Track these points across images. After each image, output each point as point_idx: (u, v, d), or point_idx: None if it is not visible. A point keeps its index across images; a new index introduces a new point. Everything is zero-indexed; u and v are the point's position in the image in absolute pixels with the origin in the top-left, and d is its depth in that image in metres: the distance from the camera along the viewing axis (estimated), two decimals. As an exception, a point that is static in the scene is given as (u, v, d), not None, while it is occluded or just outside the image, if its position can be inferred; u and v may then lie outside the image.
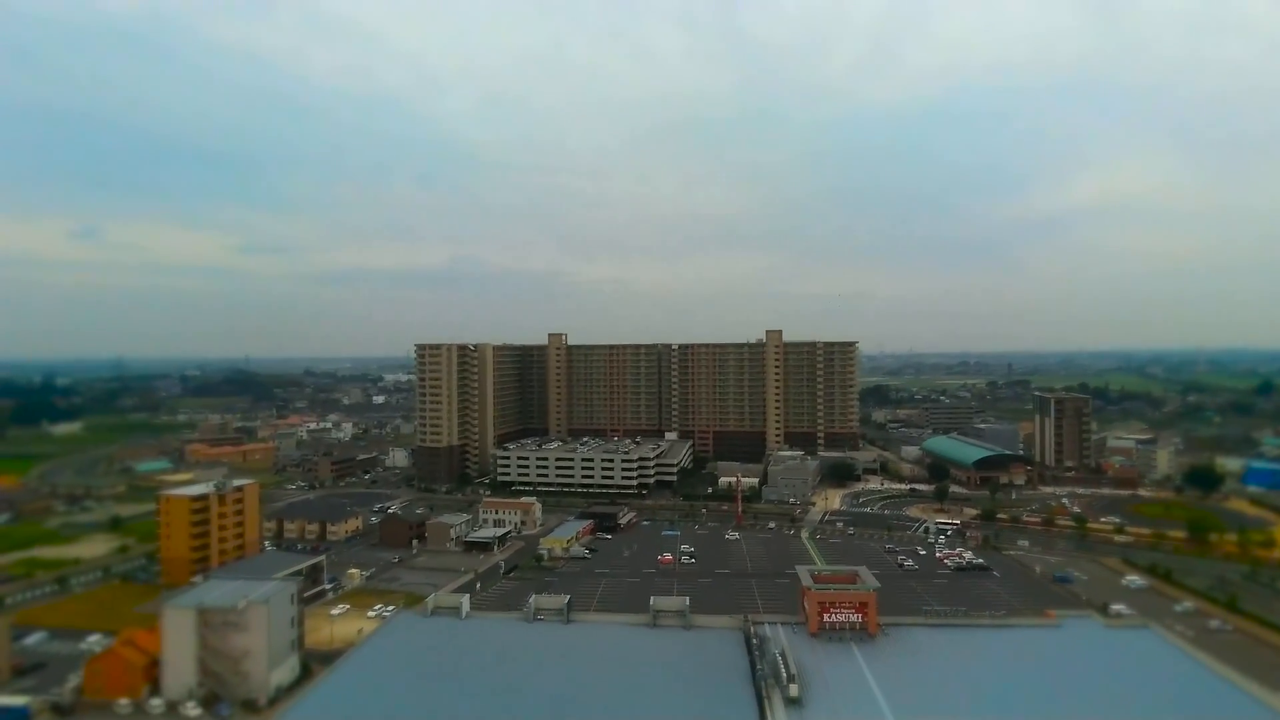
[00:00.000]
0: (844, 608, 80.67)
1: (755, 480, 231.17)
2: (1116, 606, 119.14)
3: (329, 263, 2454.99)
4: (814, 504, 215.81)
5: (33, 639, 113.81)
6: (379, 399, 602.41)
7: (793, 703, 65.42)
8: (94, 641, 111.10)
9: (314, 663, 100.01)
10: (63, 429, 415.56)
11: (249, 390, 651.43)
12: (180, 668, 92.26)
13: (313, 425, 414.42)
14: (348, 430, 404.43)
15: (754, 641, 77.38)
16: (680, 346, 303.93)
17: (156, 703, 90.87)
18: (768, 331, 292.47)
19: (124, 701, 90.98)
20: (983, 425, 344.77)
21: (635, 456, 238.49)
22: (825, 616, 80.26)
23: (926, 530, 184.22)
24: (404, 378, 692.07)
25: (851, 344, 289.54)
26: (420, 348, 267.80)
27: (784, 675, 67.52)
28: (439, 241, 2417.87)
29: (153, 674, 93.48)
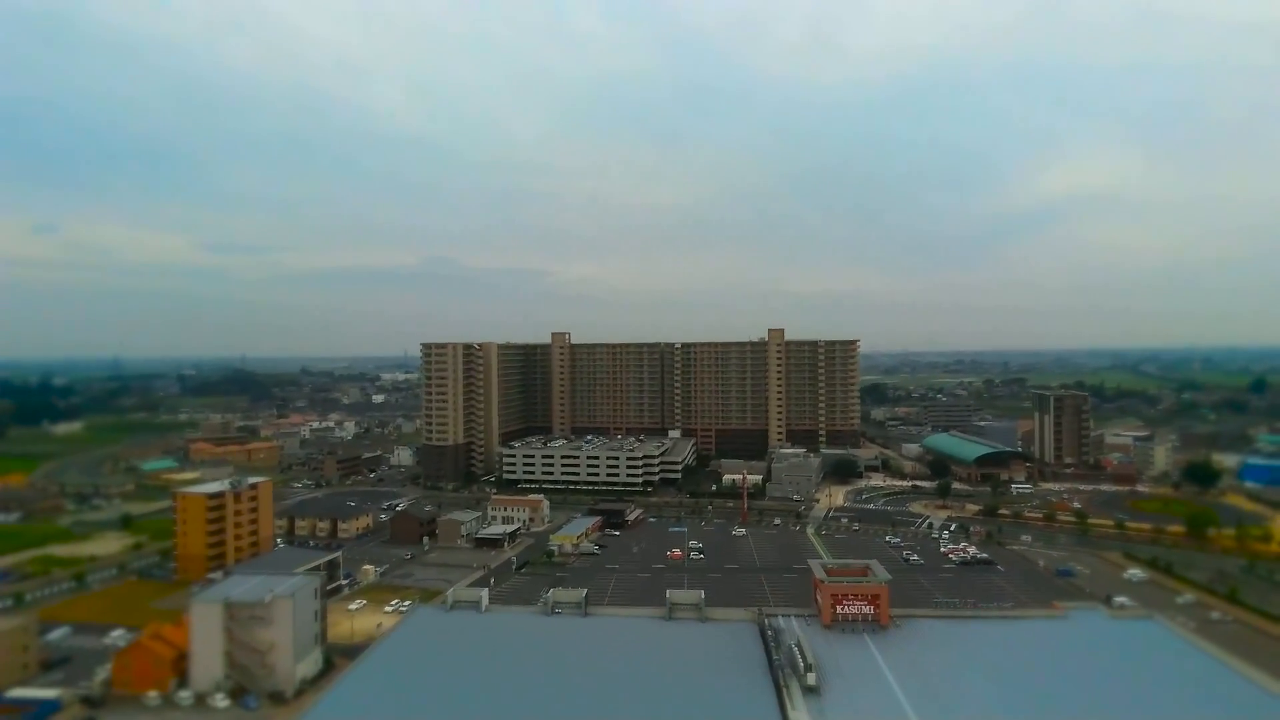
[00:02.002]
0: (856, 600, 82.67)
1: (759, 477, 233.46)
2: (1119, 599, 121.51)
3: (300, 263, 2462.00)
4: (818, 500, 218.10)
5: (56, 634, 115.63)
6: (378, 398, 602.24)
7: (810, 691, 67.36)
8: (117, 636, 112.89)
9: (336, 656, 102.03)
10: (63, 429, 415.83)
11: (247, 389, 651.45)
12: (208, 661, 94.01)
13: (315, 424, 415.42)
14: (349, 429, 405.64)
15: (769, 633, 79.33)
16: (683, 345, 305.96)
17: (185, 695, 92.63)
18: (769, 330, 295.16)
19: (152, 694, 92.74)
20: (982, 423, 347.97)
21: (640, 454, 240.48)
22: (838, 609, 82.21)
23: (930, 526, 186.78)
24: (402, 377, 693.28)
25: (853, 342, 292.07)
26: (426, 347, 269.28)
27: (801, 665, 69.45)
28: (402, 241, 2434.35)
29: (180, 667, 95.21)
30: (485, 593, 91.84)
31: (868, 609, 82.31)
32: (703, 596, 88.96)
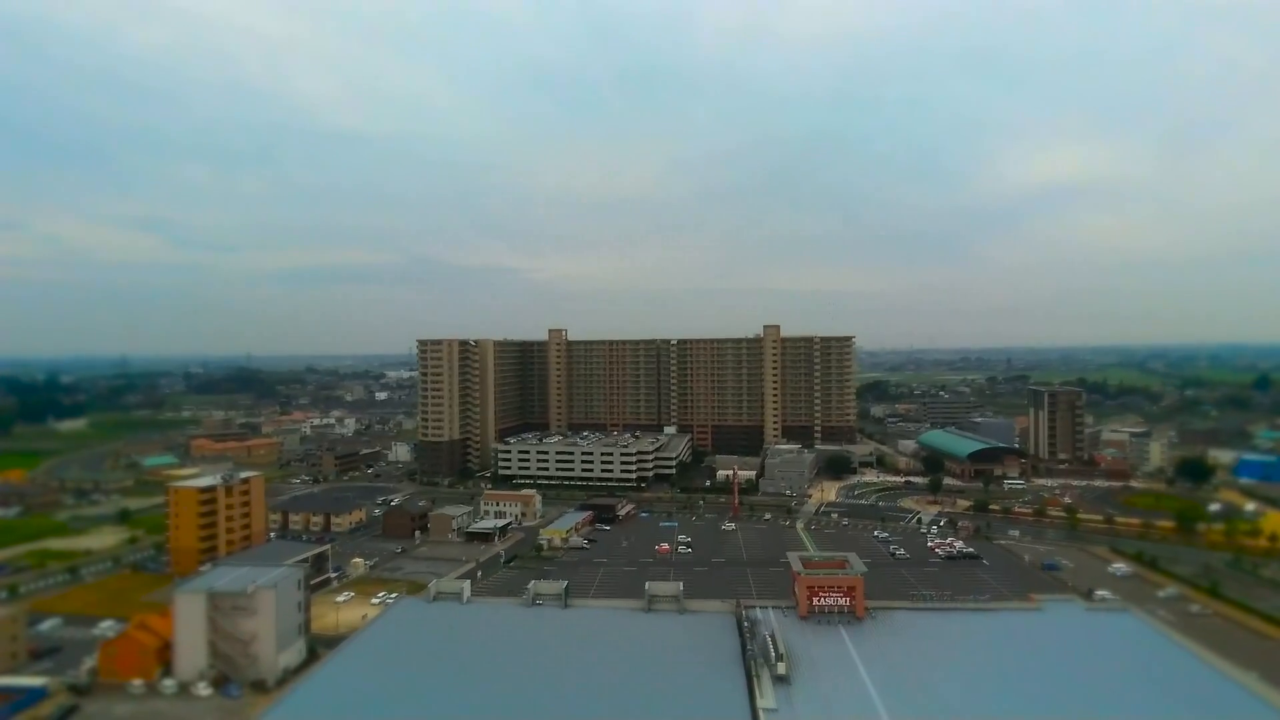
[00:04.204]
0: (832, 592, 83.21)
1: (752, 473, 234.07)
2: (1101, 592, 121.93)
3: (281, 262, 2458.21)
4: (810, 496, 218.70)
5: (47, 625, 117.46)
6: (381, 395, 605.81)
7: (780, 680, 68.11)
8: (106, 627, 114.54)
9: (320, 647, 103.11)
10: (68, 426, 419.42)
11: (251, 387, 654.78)
12: (191, 650, 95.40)
13: (316, 421, 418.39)
14: (350, 426, 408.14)
15: (745, 624, 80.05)
16: (679, 342, 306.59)
17: (169, 684, 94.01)
18: (765, 326, 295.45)
19: (137, 682, 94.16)
20: (979, 419, 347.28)
21: (634, 450, 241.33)
22: (814, 600, 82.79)
23: (919, 521, 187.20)
24: (406, 374, 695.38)
25: (848, 338, 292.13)
26: (422, 343, 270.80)
27: (772, 655, 70.25)
28: (373, 240, 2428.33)
29: (165, 656, 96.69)
30: (467, 584, 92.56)
31: (844, 600, 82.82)
32: (681, 588, 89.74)
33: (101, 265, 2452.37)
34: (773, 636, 72.95)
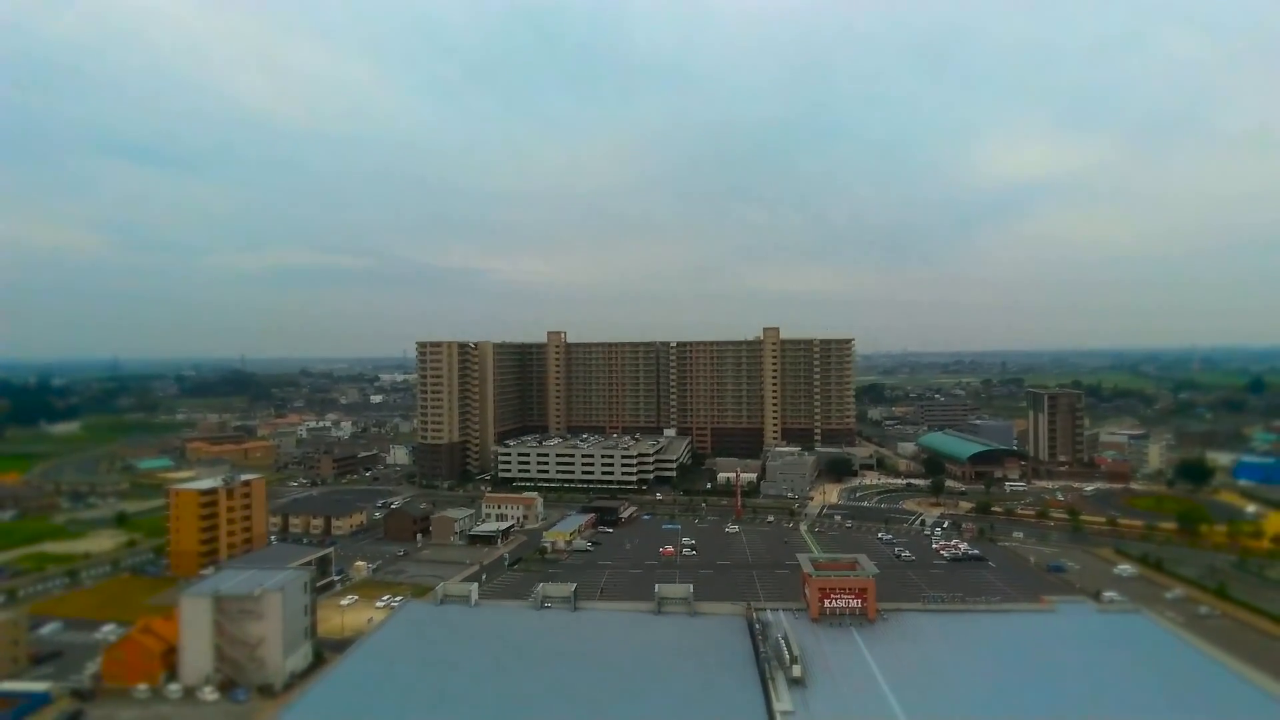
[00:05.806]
0: (844, 594, 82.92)
1: (754, 475, 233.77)
2: (1108, 594, 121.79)
3: (247, 263, 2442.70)
4: (812, 498, 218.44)
5: (48, 629, 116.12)
6: (376, 398, 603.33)
7: (795, 683, 67.70)
8: (108, 631, 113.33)
9: (326, 650, 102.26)
10: (61, 428, 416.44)
11: (245, 390, 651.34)
12: (197, 654, 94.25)
13: (312, 423, 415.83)
14: (347, 429, 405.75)
15: (757, 627, 79.60)
16: (678, 344, 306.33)
17: (174, 688, 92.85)
18: (765, 328, 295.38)
19: (142, 687, 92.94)
20: (978, 421, 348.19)
21: (635, 452, 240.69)
22: (826, 602, 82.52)
23: (923, 523, 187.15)
24: (400, 377, 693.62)
25: (848, 340, 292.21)
26: (421, 345, 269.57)
27: (787, 657, 69.76)
28: (342, 242, 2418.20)
29: (170, 660, 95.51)
30: (475, 587, 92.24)
31: (855, 602, 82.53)
32: (691, 591, 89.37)
33: (73, 269, 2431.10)
34: (785, 638, 72.52)
